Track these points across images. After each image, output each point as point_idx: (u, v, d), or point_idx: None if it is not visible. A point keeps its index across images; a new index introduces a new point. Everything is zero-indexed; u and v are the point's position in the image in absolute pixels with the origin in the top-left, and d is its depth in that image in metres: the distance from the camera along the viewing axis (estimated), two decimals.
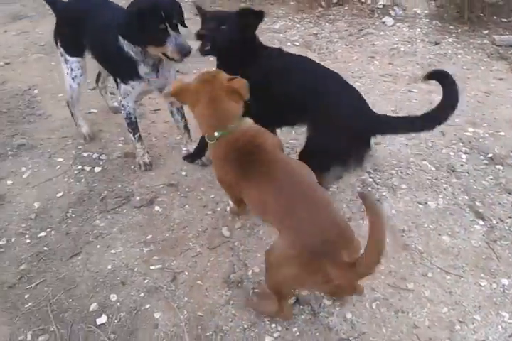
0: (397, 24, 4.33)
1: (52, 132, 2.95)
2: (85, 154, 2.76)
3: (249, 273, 2.03)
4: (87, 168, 2.65)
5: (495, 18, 4.26)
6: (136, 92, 2.44)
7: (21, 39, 4.33)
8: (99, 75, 3.03)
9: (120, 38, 2.24)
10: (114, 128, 2.99)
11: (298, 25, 4.46)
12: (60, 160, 2.71)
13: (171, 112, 2.66)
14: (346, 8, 4.72)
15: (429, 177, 2.54)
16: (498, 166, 2.59)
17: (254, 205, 1.80)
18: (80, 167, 2.66)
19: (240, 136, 1.77)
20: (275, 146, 1.81)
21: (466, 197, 2.39)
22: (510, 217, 2.28)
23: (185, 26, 2.28)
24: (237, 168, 1.74)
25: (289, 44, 4.08)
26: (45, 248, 2.17)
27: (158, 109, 3.19)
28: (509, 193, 2.41)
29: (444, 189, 2.47)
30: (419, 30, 4.22)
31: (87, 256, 2.13)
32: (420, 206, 2.35)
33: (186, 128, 2.70)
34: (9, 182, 2.54)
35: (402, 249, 2.14)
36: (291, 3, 4.92)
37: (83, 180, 2.57)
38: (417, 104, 3.12)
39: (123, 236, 2.24)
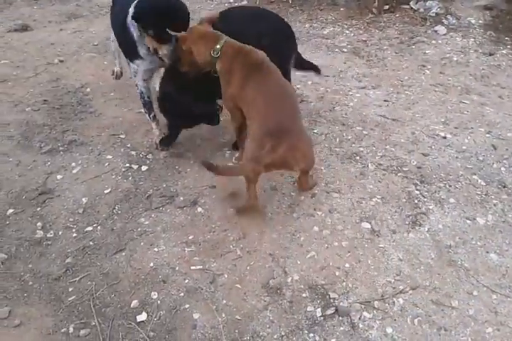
0: (450, 33, 4.24)
1: (103, 130, 3.03)
2: (133, 152, 2.82)
3: (289, 280, 2.02)
4: (135, 167, 2.71)
5: None
6: (141, 70, 2.62)
7: (75, 38, 4.48)
8: None
9: (128, 19, 2.41)
10: (162, 129, 3.04)
11: (347, 32, 4.43)
12: (109, 157, 2.78)
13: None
14: (397, 15, 4.65)
15: (479, 193, 2.46)
16: None
17: (244, 102, 2.29)
18: (127, 165, 2.72)
19: (239, 48, 2.30)
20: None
21: None
22: None
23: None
24: (241, 73, 2.25)
25: (336, 50, 4.06)
26: (91, 242, 2.23)
27: None
28: None
29: (494, 205, 2.39)
30: (472, 40, 4.12)
31: (131, 253, 2.17)
32: (468, 222, 2.28)
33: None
34: (59, 176, 2.63)
35: (448, 265, 2.08)
36: (341, 9, 4.90)
37: (130, 178, 2.63)
38: (468, 116, 3.04)
39: (166, 235, 2.27)
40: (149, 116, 2.80)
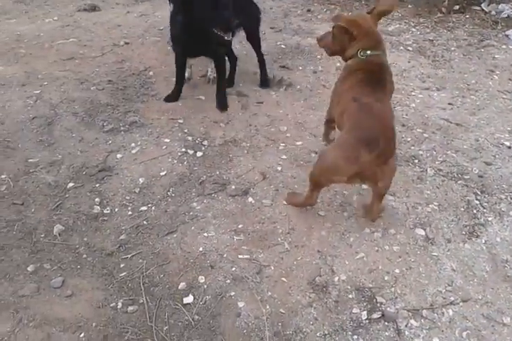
0: None
1: (163, 113, 3.08)
2: (190, 138, 2.86)
3: (336, 279, 2.01)
4: (190, 152, 2.75)
5: None
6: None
7: (141, 21, 4.54)
8: None
9: None
10: (218, 116, 3.07)
11: (413, 30, 4.30)
12: (167, 141, 2.83)
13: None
14: (467, 16, 4.47)
15: None
16: None
17: (341, 105, 2.23)
18: (183, 150, 2.77)
19: (382, 61, 2.24)
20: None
21: None
22: None
23: None
24: (358, 81, 2.17)
25: (401, 48, 3.95)
26: (145, 222, 2.29)
27: (261, 102, 3.23)
28: None
29: None
30: None
31: (182, 236, 2.22)
32: None
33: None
34: (119, 155, 2.71)
35: (503, 280, 2.01)
36: (409, 6, 4.75)
37: (185, 163, 2.67)
38: None
39: (216, 221, 2.31)
40: None
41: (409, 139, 2.82)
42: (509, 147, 2.75)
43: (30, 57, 3.73)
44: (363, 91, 2.12)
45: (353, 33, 2.18)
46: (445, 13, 4.55)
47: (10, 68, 3.54)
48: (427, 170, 2.58)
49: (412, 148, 2.75)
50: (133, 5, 4.98)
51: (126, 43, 4.04)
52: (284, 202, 2.39)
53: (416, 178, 2.53)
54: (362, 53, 2.20)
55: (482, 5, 4.58)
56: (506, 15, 4.38)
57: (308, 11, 4.77)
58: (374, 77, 2.16)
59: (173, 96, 3.23)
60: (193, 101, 3.21)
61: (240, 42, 3.73)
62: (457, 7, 4.59)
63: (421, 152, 2.72)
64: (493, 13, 4.47)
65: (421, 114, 3.06)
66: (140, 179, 2.54)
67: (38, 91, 3.24)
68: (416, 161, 2.65)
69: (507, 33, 4.14)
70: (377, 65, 2.21)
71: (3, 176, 2.51)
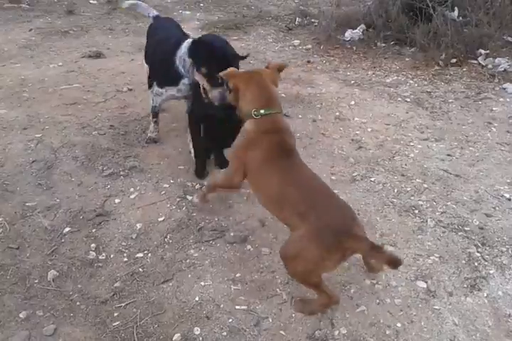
0: None
1: (162, 158, 3.10)
2: (189, 184, 2.86)
3: (336, 333, 1.94)
4: (189, 197, 2.74)
5: None
6: (166, 95, 2.99)
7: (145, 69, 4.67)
8: None
9: (180, 52, 2.70)
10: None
11: (411, 82, 4.43)
12: (166, 186, 2.83)
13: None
14: (465, 69, 4.62)
15: None
16: None
17: (267, 194, 2.06)
18: (182, 195, 2.76)
19: (278, 120, 2.14)
20: None
21: None
22: None
23: None
24: (267, 150, 2.03)
25: (399, 99, 4.04)
26: (140, 269, 2.24)
27: None
28: None
29: None
30: None
31: (178, 284, 2.16)
32: None
33: None
34: (117, 200, 2.69)
35: (506, 335, 1.95)
36: (407, 59, 4.92)
37: (184, 208, 2.66)
38: None
39: (213, 270, 2.26)
40: (153, 119, 3.26)
41: (408, 189, 2.83)
42: (509, 199, 2.74)
43: (34, 101, 3.81)
44: (281, 164, 2.00)
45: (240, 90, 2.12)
46: (442, 66, 4.70)
47: (13, 112, 3.61)
48: (427, 221, 2.57)
49: (412, 198, 2.75)
50: (137, 53, 5.09)
51: (130, 89, 4.14)
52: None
53: (417, 229, 2.51)
54: (255, 113, 2.08)
55: (479, 59, 4.73)
56: (503, 69, 4.51)
57: (308, 62, 4.93)
58: (281, 144, 2.05)
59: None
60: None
61: None
62: (454, 60, 4.73)
63: (421, 202, 2.72)
64: (490, 66, 4.61)
65: (420, 164, 3.09)
66: (137, 224, 2.52)
67: (39, 135, 3.28)
68: (416, 211, 2.64)
69: (504, 86, 4.25)
70: (275, 128, 2.09)
71: None
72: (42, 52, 5.02)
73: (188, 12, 6.66)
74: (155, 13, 3.61)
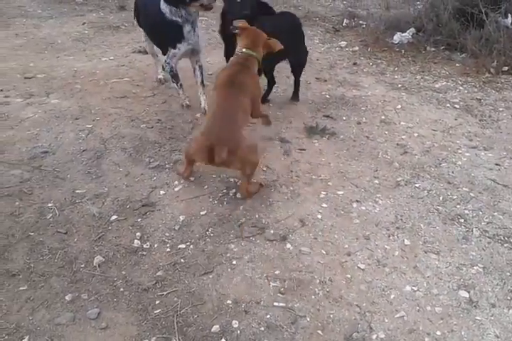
0: None
1: None
2: (231, 179, 2.90)
3: (374, 336, 1.93)
4: (231, 193, 2.78)
5: None
6: (180, 52, 3.44)
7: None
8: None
9: (163, 9, 3.25)
10: (260, 158, 3.10)
11: (460, 88, 4.33)
12: (209, 181, 2.88)
13: (194, 69, 3.71)
14: None
15: None
16: None
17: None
18: (224, 190, 2.80)
19: (245, 58, 2.85)
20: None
21: None
22: None
23: None
24: (221, 74, 2.86)
25: (448, 105, 3.97)
26: (182, 260, 2.29)
27: (304, 149, 3.26)
28: None
29: None
30: None
31: (217, 277, 2.20)
32: None
33: (202, 83, 3.72)
34: (162, 192, 2.76)
35: None
36: (457, 65, 4.82)
37: (225, 203, 2.69)
38: None
39: (253, 265, 2.28)
40: (177, 84, 3.66)
41: (454, 197, 2.77)
42: None
43: (85, 92, 3.94)
44: (222, 82, 2.73)
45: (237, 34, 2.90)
46: (493, 73, 4.58)
47: (65, 102, 3.73)
48: (472, 231, 2.51)
49: (458, 206, 2.70)
50: None
51: None
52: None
53: (461, 238, 2.47)
54: (239, 50, 2.87)
55: None
56: None
57: (355, 64, 4.90)
58: (237, 72, 2.75)
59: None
60: None
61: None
62: (506, 68, 4.61)
63: (467, 211, 2.66)
64: None
65: (467, 172, 3.02)
66: (180, 216, 2.57)
67: (90, 126, 3.38)
68: (461, 220, 2.59)
69: None
70: (240, 62, 2.81)
71: (49, 204, 2.59)
72: (94, 46, 5.18)
73: None
74: None
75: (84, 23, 5.89)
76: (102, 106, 3.69)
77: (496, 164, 3.11)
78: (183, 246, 2.38)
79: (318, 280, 2.20)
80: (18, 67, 4.36)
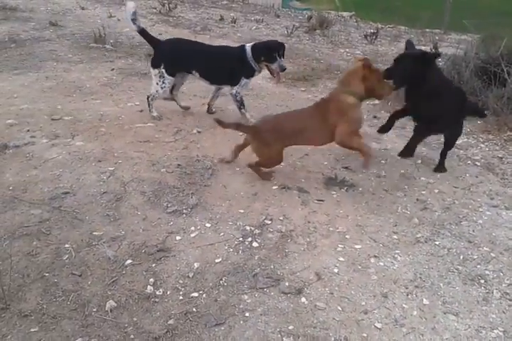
0: None
1: (224, 200, 3.17)
2: (248, 228, 2.89)
3: None
4: (247, 241, 2.76)
5: None
6: (247, 83, 4.42)
7: (216, 113, 4.84)
8: (173, 88, 4.64)
9: (248, 57, 4.22)
10: (278, 210, 3.11)
11: (482, 145, 4.34)
12: (226, 228, 2.87)
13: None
14: None
15: None
16: None
17: None
18: (240, 239, 2.78)
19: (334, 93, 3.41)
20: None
21: None
22: None
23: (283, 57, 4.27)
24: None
25: (469, 162, 3.96)
26: (194, 309, 2.24)
27: (322, 200, 3.25)
28: None
29: None
30: None
31: (229, 329, 2.14)
32: None
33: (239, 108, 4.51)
34: (178, 237, 2.75)
35: None
36: (478, 122, 4.84)
37: (241, 252, 2.67)
38: None
39: (266, 318, 2.22)
40: (244, 109, 4.48)
41: (475, 257, 2.71)
42: None
43: (110, 136, 4.04)
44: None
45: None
46: None
47: (90, 144, 3.83)
48: (493, 292, 2.43)
49: (479, 266, 2.63)
50: (208, 97, 5.34)
51: (199, 132, 4.29)
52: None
53: (481, 299, 2.38)
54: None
55: None
56: None
57: (375, 117, 4.97)
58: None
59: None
60: (253, 190, 3.31)
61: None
62: None
63: (487, 272, 2.59)
64: None
65: (488, 231, 2.96)
66: (195, 264, 2.55)
67: (112, 168, 3.45)
68: (482, 281, 2.51)
69: None
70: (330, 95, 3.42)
71: (66, 245, 2.60)
72: (121, 91, 5.37)
73: None
74: None
75: (113, 69, 6.13)
76: (125, 150, 3.78)
77: None
78: (196, 294, 2.34)
79: (333, 338, 2.13)
80: (46, 109, 4.51)
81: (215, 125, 4.40)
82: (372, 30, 9.24)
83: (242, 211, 3.07)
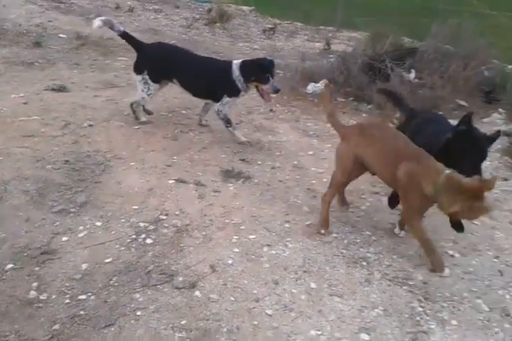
0: None
1: (116, 197, 3.07)
2: (141, 224, 2.83)
3: None
4: (140, 238, 2.70)
5: None
6: (233, 102, 4.12)
7: (108, 105, 4.62)
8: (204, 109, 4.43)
9: (234, 76, 3.91)
10: (173, 204, 3.08)
11: None
12: (117, 226, 2.78)
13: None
14: None
15: (481, 318, 2.39)
16: None
17: None
18: (133, 236, 2.72)
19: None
20: None
21: None
22: None
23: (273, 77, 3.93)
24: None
25: None
26: (82, 312, 2.16)
27: (219, 192, 3.28)
28: None
29: (496, 333, 2.31)
30: (489, 163, 4.11)
31: (119, 330, 2.09)
32: None
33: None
34: (64, 238, 2.62)
35: None
36: (364, 115, 5.20)
37: (133, 250, 2.61)
38: (477, 238, 3.03)
39: (158, 315, 2.20)
40: (232, 127, 4.12)
41: (358, 241, 2.90)
42: (452, 256, 2.85)
43: None
44: None
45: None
46: (396, 124, 4.95)
47: None
48: (374, 273, 2.62)
49: (361, 249, 2.82)
50: (101, 89, 5.10)
51: (90, 125, 4.10)
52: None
53: (363, 281, 2.56)
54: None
55: None
56: None
57: (271, 110, 5.10)
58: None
59: None
60: (149, 185, 3.25)
61: None
62: None
63: (369, 254, 2.78)
64: None
65: (370, 216, 3.18)
66: (83, 265, 2.45)
67: None
68: (364, 263, 2.70)
69: None
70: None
71: None
72: (4, 82, 4.95)
73: None
74: None
75: None
76: (6, 146, 3.51)
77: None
78: (84, 296, 2.25)
79: (225, 329, 2.17)
80: None
81: (108, 118, 4.29)
82: (270, 26, 9.43)
83: (136, 207, 3.00)
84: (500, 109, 5.29)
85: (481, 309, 2.45)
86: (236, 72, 3.91)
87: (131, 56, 6.23)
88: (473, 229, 3.12)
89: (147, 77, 4.01)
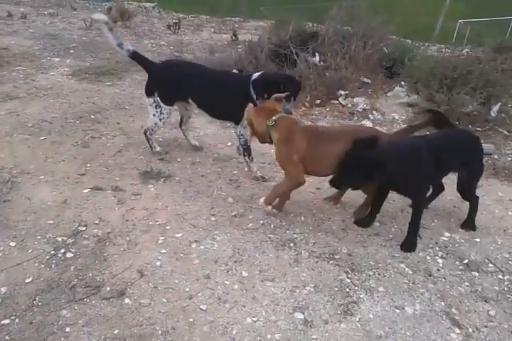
0: (376, 127, 4.62)
1: (29, 214, 2.90)
2: (59, 239, 2.70)
3: None
4: (60, 254, 2.58)
5: (470, 127, 4.59)
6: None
7: (10, 118, 4.35)
8: (181, 120, 3.98)
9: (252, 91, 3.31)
10: (91, 214, 2.96)
11: None
12: (34, 243, 2.63)
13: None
14: (328, 109, 5.07)
15: (406, 281, 2.53)
16: (473, 273, 2.62)
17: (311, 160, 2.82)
18: (52, 252, 2.58)
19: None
20: None
21: (443, 304, 2.38)
22: (486, 326, 2.25)
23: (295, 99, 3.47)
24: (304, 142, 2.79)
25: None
26: (7, 337, 2.03)
27: (139, 195, 3.20)
28: (485, 301, 2.41)
29: (421, 294, 2.45)
30: None
31: None
32: (397, 311, 2.31)
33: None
34: None
35: None
36: None
37: (54, 266, 2.48)
38: None
39: (88, 329, 2.11)
40: (249, 157, 3.57)
41: (284, 224, 2.96)
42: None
43: None
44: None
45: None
46: (308, 106, 5.10)
47: None
48: (301, 253, 2.68)
49: (288, 232, 2.88)
50: (1, 103, 4.78)
51: None
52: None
53: (292, 261, 2.61)
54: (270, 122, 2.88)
55: (340, 99, 5.23)
56: (361, 108, 5.03)
57: None
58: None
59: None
60: (62, 198, 3.10)
61: None
62: (318, 101, 5.18)
63: (295, 235, 2.84)
64: (350, 105, 5.12)
65: (294, 198, 3.21)
66: (2, 289, 2.29)
67: None
68: (291, 245, 2.75)
69: (362, 122, 4.76)
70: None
71: None
72: None
73: (57, 59, 6.48)
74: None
75: None
76: None
77: (317, 188, 3.41)
78: (7, 321, 2.12)
79: (160, 331, 2.13)
80: None
81: (11, 132, 4.03)
82: (174, 21, 9.27)
83: (51, 222, 2.85)
84: (402, 82, 5.58)
85: (405, 273, 2.59)
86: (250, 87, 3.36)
87: (27, 65, 5.93)
88: (390, 198, 3.27)
89: (158, 99, 3.57)
